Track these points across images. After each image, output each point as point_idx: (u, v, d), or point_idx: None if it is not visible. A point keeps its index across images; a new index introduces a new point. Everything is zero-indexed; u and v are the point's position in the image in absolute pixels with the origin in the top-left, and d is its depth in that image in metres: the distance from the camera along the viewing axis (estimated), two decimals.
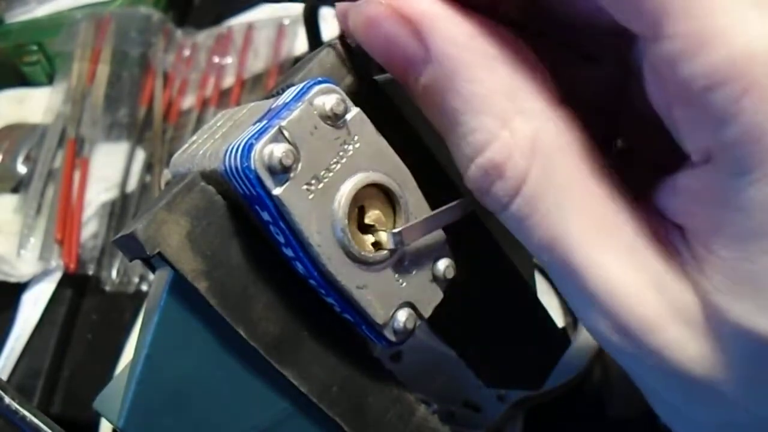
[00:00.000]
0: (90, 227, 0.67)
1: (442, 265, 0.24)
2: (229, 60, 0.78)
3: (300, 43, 0.76)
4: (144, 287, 0.64)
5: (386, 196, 0.23)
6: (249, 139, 0.21)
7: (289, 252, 0.22)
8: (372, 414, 0.25)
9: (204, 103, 0.75)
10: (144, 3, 0.82)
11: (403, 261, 0.24)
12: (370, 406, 0.25)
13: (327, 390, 0.24)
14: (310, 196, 0.21)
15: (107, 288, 0.64)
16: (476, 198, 0.22)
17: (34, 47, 0.81)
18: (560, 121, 0.21)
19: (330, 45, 0.25)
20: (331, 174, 0.22)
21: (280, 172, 0.21)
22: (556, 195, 0.20)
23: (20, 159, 0.73)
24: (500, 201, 0.21)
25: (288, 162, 0.21)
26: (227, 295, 0.23)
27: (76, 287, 0.66)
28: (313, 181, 0.22)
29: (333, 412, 0.25)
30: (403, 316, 0.24)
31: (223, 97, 0.75)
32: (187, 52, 0.79)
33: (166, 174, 0.27)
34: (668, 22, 0.18)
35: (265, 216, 0.22)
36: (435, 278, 0.24)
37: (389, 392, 0.26)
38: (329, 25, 0.66)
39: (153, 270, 0.24)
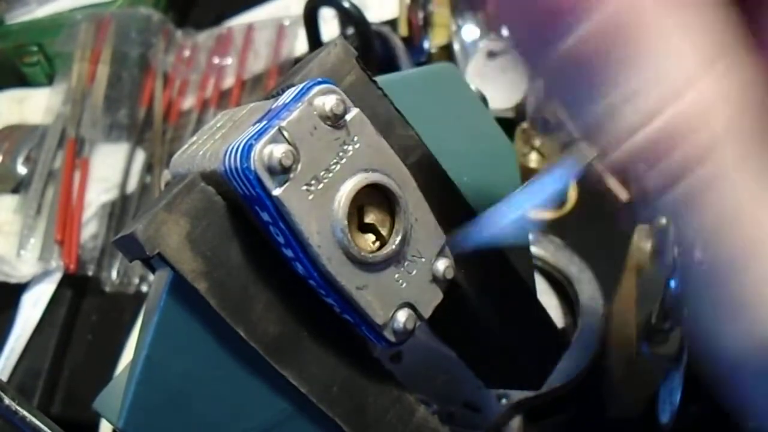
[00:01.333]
0: (90, 228, 0.67)
1: (442, 265, 0.24)
2: (229, 61, 0.78)
3: (300, 44, 0.76)
4: (144, 288, 0.64)
5: (386, 196, 0.23)
6: (249, 139, 0.21)
7: (289, 252, 0.22)
8: (372, 414, 0.25)
9: (204, 104, 0.75)
10: (144, 4, 0.82)
11: (403, 262, 0.24)
12: (370, 407, 0.25)
13: (327, 390, 0.24)
14: (310, 197, 0.21)
15: (107, 288, 0.64)
16: (639, 172, 0.19)
17: (34, 48, 0.81)
18: (748, 75, 0.18)
19: (330, 45, 0.25)
20: (330, 174, 0.22)
21: (280, 172, 0.21)
22: (750, 158, 0.18)
23: (20, 159, 0.73)
24: (686, 164, 0.18)
25: (288, 162, 0.21)
26: (227, 296, 0.22)
27: (76, 288, 0.65)
28: (312, 182, 0.22)
29: (333, 412, 0.24)
30: (402, 316, 0.24)
31: (223, 98, 0.75)
32: (187, 53, 0.79)
33: (166, 175, 0.27)
34: None
35: (265, 216, 0.22)
36: (435, 279, 0.24)
37: (389, 393, 0.26)
38: (329, 26, 0.66)
39: (153, 270, 0.24)
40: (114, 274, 0.65)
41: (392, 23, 0.70)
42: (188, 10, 0.90)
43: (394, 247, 0.23)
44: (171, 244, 0.22)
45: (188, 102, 0.76)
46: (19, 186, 0.71)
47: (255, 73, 0.76)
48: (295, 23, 0.77)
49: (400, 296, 0.24)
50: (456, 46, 0.69)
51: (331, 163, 0.22)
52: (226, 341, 0.23)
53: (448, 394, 0.44)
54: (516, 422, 0.43)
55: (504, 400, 0.43)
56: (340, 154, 0.22)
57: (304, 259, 0.22)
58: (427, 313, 0.24)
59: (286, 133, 0.21)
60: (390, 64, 0.67)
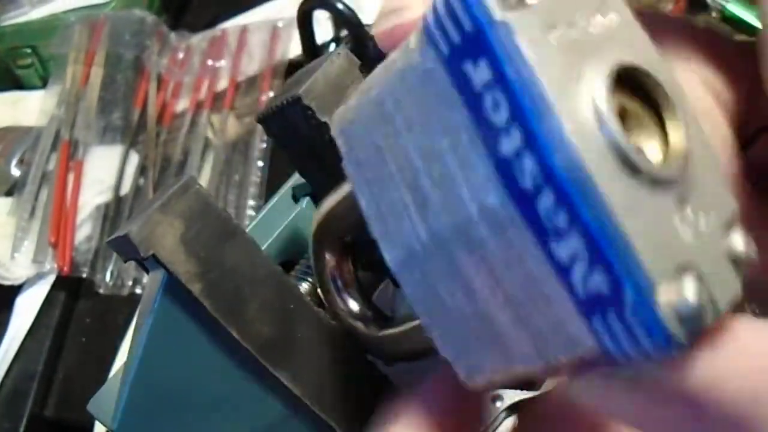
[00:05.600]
0: (84, 230, 0.67)
1: (739, 239, 0.16)
2: (223, 63, 0.78)
3: (294, 46, 0.76)
4: (138, 290, 0.64)
5: (643, 102, 0.16)
6: None
7: (512, 142, 0.15)
8: (366, 417, 0.25)
9: (198, 106, 0.75)
10: (138, 6, 0.82)
11: (685, 204, 0.15)
12: (363, 410, 0.25)
13: (320, 392, 0.24)
14: (554, 42, 0.15)
15: (101, 291, 0.64)
16: None
17: (28, 50, 0.81)
18: None
19: (333, 55, 0.25)
20: (581, 29, 0.16)
21: (515, 4, 0.15)
22: None
23: (14, 162, 0.73)
24: None
25: None
26: (220, 297, 0.22)
27: (70, 290, 0.65)
28: (557, 26, 0.15)
29: (326, 415, 0.25)
30: (691, 285, 0.14)
31: (217, 100, 0.75)
32: (181, 55, 0.79)
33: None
34: None
35: (483, 74, 0.15)
36: (731, 257, 0.16)
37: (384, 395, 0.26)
38: (323, 28, 0.66)
39: (147, 272, 0.24)
40: (108, 276, 0.65)
41: None
42: (182, 12, 0.90)
43: (677, 165, 0.16)
44: (165, 245, 0.22)
45: (182, 104, 0.76)
46: (12, 188, 0.71)
47: (249, 75, 0.76)
48: (288, 25, 0.77)
49: (683, 252, 0.15)
50: None
51: (581, 19, 0.16)
52: (219, 343, 0.23)
53: None
54: (511, 424, 0.44)
55: (498, 403, 0.43)
56: (593, 19, 0.16)
57: (540, 139, 0.14)
58: (723, 303, 0.15)
59: None
60: None
